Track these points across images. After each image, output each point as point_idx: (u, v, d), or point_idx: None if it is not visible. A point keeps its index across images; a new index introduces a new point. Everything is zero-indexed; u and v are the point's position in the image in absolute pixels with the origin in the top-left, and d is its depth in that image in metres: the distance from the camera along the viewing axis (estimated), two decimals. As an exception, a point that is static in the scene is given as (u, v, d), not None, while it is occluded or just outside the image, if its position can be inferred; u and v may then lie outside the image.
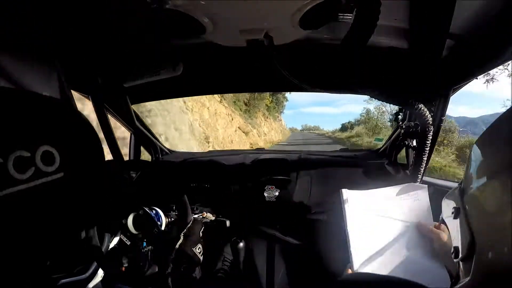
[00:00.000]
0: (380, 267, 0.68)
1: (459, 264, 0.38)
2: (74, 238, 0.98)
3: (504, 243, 0.27)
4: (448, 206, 0.44)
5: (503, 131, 0.33)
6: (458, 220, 0.39)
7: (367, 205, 0.74)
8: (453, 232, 0.41)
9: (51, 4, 0.60)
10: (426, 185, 0.75)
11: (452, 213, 0.40)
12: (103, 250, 0.94)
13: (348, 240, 0.71)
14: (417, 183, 0.84)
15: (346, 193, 0.75)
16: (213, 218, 1.20)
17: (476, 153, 0.36)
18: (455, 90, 0.86)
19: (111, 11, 0.69)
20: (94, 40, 0.78)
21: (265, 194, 1.21)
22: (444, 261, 0.66)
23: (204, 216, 1.22)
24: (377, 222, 0.73)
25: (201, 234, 1.01)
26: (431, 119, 0.78)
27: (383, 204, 0.75)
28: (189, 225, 0.99)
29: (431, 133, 0.82)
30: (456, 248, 0.39)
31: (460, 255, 0.37)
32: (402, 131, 0.98)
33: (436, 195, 0.77)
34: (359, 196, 0.75)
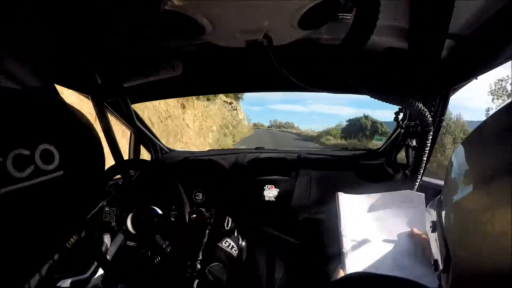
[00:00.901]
0: (371, 272, 0.68)
1: (439, 276, 0.38)
2: (74, 237, 0.98)
3: (481, 260, 0.25)
4: (429, 217, 0.43)
5: (498, 128, 0.28)
6: (435, 234, 0.38)
7: (362, 210, 0.75)
8: (432, 245, 0.41)
9: (51, 4, 0.60)
10: (424, 194, 0.75)
11: (430, 226, 0.40)
12: (103, 250, 0.95)
13: (341, 242, 0.71)
14: (415, 191, 0.84)
15: (341, 196, 0.75)
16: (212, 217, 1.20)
17: (459, 157, 0.32)
18: (454, 90, 0.86)
19: (111, 11, 0.69)
20: (94, 40, 0.78)
21: (265, 194, 1.21)
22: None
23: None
24: (371, 227, 0.73)
25: (228, 226, 0.98)
26: (431, 119, 0.78)
27: (379, 209, 0.75)
28: (211, 221, 0.96)
29: (431, 133, 0.82)
30: (435, 261, 0.38)
31: (439, 268, 0.37)
32: (402, 131, 0.98)
33: (435, 195, 0.77)
34: (355, 200, 0.75)
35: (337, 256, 1.08)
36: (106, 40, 0.80)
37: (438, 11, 0.61)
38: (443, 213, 0.34)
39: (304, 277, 1.16)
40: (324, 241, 1.15)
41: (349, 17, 0.67)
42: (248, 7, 0.57)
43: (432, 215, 0.41)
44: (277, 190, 1.21)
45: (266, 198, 1.21)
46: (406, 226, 0.73)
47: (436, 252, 0.38)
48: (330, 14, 0.62)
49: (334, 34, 0.79)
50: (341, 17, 0.67)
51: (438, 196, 0.40)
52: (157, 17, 0.64)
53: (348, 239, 0.71)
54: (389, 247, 0.71)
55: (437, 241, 0.37)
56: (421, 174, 0.92)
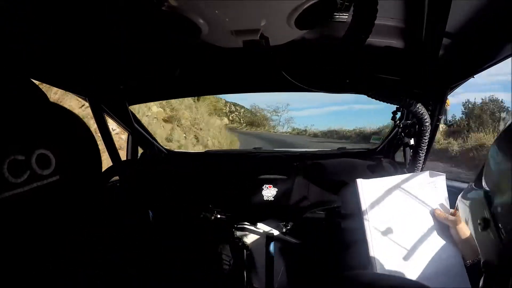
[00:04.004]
0: (398, 254, 0.69)
1: (489, 278, 0.34)
2: (72, 239, 0.98)
3: None
4: (469, 212, 0.39)
5: None
6: (486, 233, 0.34)
7: (383, 192, 0.73)
8: (481, 245, 0.37)
9: (49, 6, 0.59)
10: (445, 174, 0.75)
11: (479, 224, 0.35)
12: (102, 250, 0.94)
13: (365, 227, 0.70)
14: (436, 171, 0.84)
15: (361, 183, 0.73)
16: (212, 218, 1.20)
17: (500, 155, 0.32)
18: (452, 89, 0.87)
19: (108, 13, 0.69)
20: (91, 42, 0.78)
21: (263, 193, 1.21)
22: (460, 246, 0.68)
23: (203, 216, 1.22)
24: (393, 209, 0.72)
25: None
26: (428, 118, 0.78)
27: (400, 191, 0.74)
28: None
29: (428, 132, 0.82)
30: (487, 263, 0.35)
31: (491, 270, 0.33)
32: (400, 130, 0.99)
33: None
34: (375, 185, 0.74)
35: (337, 256, 1.08)
36: (104, 42, 0.80)
37: (435, 10, 0.61)
38: (495, 207, 0.32)
39: (304, 277, 1.16)
40: (324, 240, 1.15)
41: (346, 16, 0.68)
42: (244, 7, 0.57)
43: (472, 211, 0.38)
44: (276, 189, 1.21)
45: (265, 198, 1.21)
46: (428, 207, 0.73)
47: (486, 252, 0.35)
48: (327, 14, 0.62)
49: (331, 33, 0.79)
50: (338, 17, 0.67)
51: (474, 187, 0.37)
52: (154, 18, 0.64)
53: (371, 223, 0.70)
54: (413, 228, 0.71)
55: (489, 240, 0.34)
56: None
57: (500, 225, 0.31)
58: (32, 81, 0.40)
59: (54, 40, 0.70)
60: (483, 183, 0.35)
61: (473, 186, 0.39)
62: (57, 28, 0.67)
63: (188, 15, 0.58)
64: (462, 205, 0.43)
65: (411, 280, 0.41)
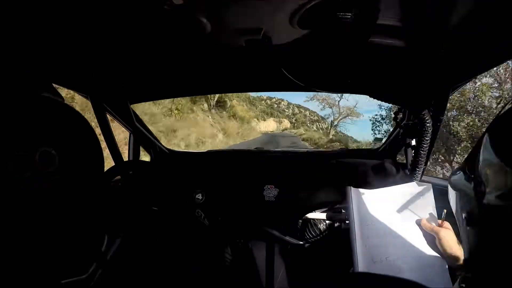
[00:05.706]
0: (384, 263, 0.69)
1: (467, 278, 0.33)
2: (73, 238, 0.98)
3: None
4: (457, 204, 0.35)
5: None
6: (470, 229, 0.32)
7: (373, 203, 0.75)
8: (464, 241, 0.35)
9: (51, 5, 0.60)
10: (431, 184, 0.75)
11: (465, 218, 0.32)
12: (102, 250, 0.94)
13: (351, 236, 0.71)
14: (422, 182, 0.84)
15: (352, 191, 0.75)
16: (213, 218, 1.20)
17: (493, 144, 0.28)
18: (454, 89, 0.86)
19: (110, 11, 0.69)
20: (93, 39, 0.78)
21: (264, 194, 1.21)
22: (446, 256, 0.67)
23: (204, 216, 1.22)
24: (383, 220, 0.73)
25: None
26: (430, 118, 0.78)
27: (389, 202, 0.75)
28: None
29: (430, 132, 0.82)
30: (467, 261, 0.33)
31: (473, 270, 0.32)
32: (401, 130, 0.98)
33: (435, 194, 0.77)
34: (365, 194, 0.75)
35: (337, 256, 1.08)
36: (106, 41, 0.80)
37: (437, 9, 0.61)
38: (485, 204, 0.29)
39: (304, 277, 1.16)
40: (325, 241, 1.15)
41: (349, 16, 0.67)
42: (247, 7, 0.57)
43: (459, 205, 0.35)
44: (277, 189, 1.21)
45: (266, 198, 1.21)
46: (415, 217, 0.73)
47: (468, 250, 0.33)
48: (329, 13, 0.62)
49: (334, 33, 0.79)
50: (340, 16, 0.67)
51: (467, 178, 0.33)
52: (156, 17, 0.64)
53: (358, 233, 0.71)
54: (400, 238, 0.71)
55: (471, 237, 0.32)
56: (420, 173, 0.93)
57: (487, 219, 0.29)
58: (32, 79, 0.41)
59: (56, 39, 0.71)
60: (475, 171, 0.31)
61: (463, 172, 0.35)
62: (59, 26, 0.67)
63: (191, 14, 0.59)
64: (452, 192, 0.38)
65: (410, 281, 0.41)
